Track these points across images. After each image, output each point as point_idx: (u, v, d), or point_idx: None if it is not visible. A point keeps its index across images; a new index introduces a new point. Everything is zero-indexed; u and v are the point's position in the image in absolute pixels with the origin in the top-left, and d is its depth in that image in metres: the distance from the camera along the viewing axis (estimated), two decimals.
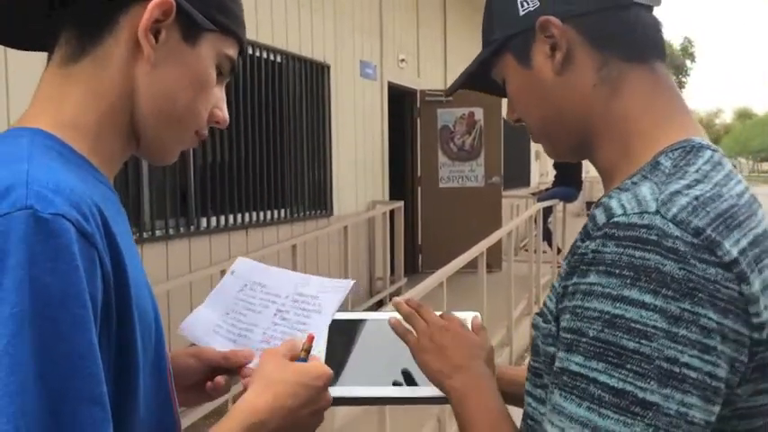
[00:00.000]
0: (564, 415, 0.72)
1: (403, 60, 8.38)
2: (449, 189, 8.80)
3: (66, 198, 0.67)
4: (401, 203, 7.73)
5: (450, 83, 10.12)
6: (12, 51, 3.23)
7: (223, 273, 4.46)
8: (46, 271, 0.63)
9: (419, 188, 8.89)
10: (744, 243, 0.73)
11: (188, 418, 3.63)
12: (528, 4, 0.86)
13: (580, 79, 0.85)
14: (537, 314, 0.86)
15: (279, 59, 5.75)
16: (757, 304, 0.71)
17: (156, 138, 0.86)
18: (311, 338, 0.92)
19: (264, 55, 5.53)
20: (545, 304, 0.84)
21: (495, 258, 6.52)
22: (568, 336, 0.73)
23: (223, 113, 0.90)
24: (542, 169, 15.53)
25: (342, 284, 1.08)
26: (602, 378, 0.70)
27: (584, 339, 0.71)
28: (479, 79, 0.97)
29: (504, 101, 1.11)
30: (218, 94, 0.89)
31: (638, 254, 0.70)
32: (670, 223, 0.71)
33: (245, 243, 5.29)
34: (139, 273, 0.79)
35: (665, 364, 0.68)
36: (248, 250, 5.23)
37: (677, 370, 0.68)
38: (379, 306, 6.76)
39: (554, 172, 9.98)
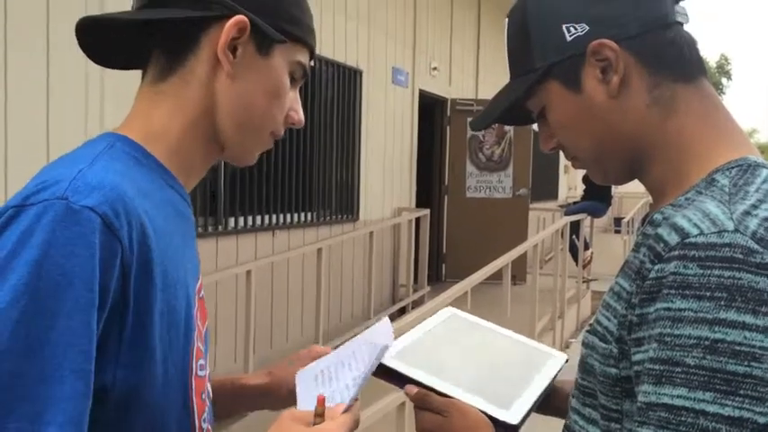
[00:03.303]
0: None
1: (435, 68, 8.39)
2: (476, 199, 8.78)
3: (104, 195, 0.74)
4: (427, 211, 7.73)
5: (481, 93, 10.00)
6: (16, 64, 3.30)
7: (248, 273, 4.39)
8: (63, 253, 0.70)
9: (446, 197, 8.89)
10: None
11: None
12: (576, 29, 0.85)
13: (633, 101, 0.84)
14: (588, 332, 0.84)
15: (312, 63, 5.77)
16: None
17: (237, 144, 0.94)
18: (321, 401, 0.85)
19: None
20: (599, 322, 0.82)
21: (519, 270, 6.49)
22: (658, 367, 0.70)
23: (298, 116, 0.98)
24: (571, 183, 15.43)
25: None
26: (713, 408, 0.66)
27: (679, 369, 0.68)
28: (510, 111, 0.94)
29: None
30: (293, 98, 0.97)
31: (726, 273, 0.68)
32: (751, 240, 0.70)
33: (271, 244, 5.32)
34: (180, 272, 0.86)
35: None
36: (274, 252, 5.27)
37: None
38: (401, 313, 6.75)
39: (583, 186, 9.90)
